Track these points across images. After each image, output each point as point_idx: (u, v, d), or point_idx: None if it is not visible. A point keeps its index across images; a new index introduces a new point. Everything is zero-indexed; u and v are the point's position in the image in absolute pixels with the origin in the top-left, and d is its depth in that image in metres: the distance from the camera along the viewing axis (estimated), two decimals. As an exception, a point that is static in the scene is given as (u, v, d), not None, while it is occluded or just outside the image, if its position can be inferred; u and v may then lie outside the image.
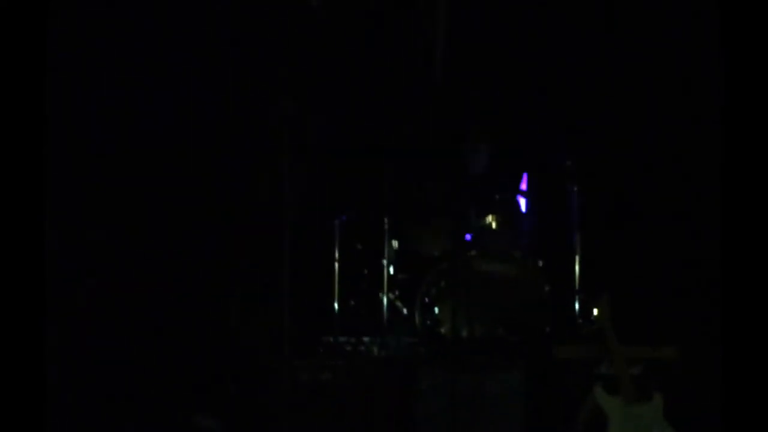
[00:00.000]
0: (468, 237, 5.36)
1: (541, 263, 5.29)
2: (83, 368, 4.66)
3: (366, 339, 5.23)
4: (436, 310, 5.24)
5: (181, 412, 4.61)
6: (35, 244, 3.25)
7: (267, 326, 4.78)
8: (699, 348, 4.68)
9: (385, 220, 5.32)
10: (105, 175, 4.95)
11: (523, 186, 5.52)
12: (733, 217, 3.21)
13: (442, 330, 5.19)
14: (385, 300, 5.26)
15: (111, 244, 4.93)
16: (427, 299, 5.27)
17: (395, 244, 5.40)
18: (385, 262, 5.33)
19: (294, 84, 4.17)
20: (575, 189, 5.34)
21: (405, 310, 5.36)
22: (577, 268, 5.34)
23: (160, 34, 5.02)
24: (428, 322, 5.24)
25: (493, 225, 5.37)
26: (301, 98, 4.18)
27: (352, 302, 5.45)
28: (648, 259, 5.50)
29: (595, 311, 4.62)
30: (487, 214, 5.37)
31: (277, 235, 4.00)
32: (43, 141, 3.40)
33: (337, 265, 5.32)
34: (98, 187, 4.94)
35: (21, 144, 3.29)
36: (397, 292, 5.41)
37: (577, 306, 5.31)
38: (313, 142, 5.20)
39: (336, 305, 5.30)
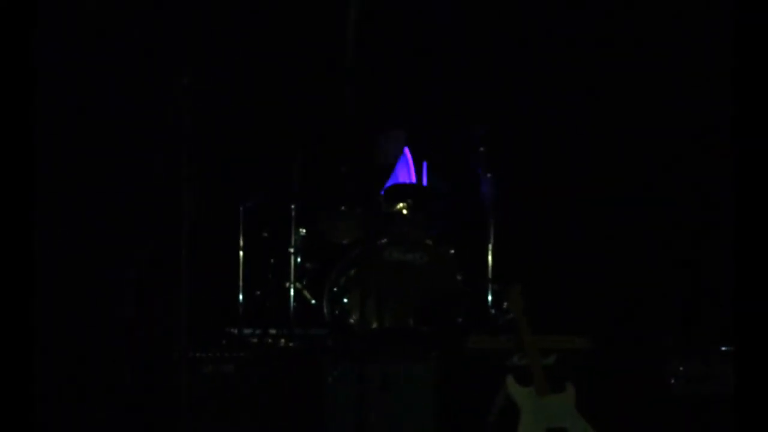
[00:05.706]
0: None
1: (453, 251, 5.17)
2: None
3: (272, 331, 5.06)
4: (345, 300, 5.09)
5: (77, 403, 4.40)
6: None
7: (166, 317, 4.59)
8: (611, 338, 4.65)
9: (292, 206, 5.16)
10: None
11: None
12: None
13: (351, 320, 5.05)
14: (292, 290, 5.11)
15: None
16: (335, 289, 5.12)
17: (303, 231, 5.25)
18: (292, 250, 5.18)
19: (196, 59, 3.98)
20: (489, 176, 5.25)
21: (313, 301, 5.21)
22: (490, 257, 5.25)
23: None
24: (337, 312, 5.09)
25: (404, 212, 5.25)
26: (204, 75, 3.98)
27: (258, 292, 5.28)
28: (561, 248, 5.46)
29: (508, 301, 4.54)
30: (398, 201, 5.25)
31: (177, 221, 3.80)
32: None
33: (241, 253, 5.15)
34: None
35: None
36: (304, 282, 5.25)
37: (490, 296, 5.22)
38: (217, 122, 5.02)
39: (241, 295, 5.14)
